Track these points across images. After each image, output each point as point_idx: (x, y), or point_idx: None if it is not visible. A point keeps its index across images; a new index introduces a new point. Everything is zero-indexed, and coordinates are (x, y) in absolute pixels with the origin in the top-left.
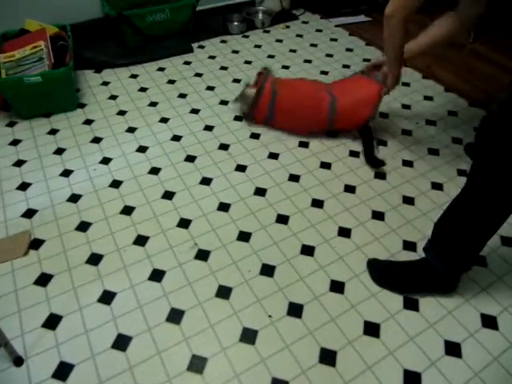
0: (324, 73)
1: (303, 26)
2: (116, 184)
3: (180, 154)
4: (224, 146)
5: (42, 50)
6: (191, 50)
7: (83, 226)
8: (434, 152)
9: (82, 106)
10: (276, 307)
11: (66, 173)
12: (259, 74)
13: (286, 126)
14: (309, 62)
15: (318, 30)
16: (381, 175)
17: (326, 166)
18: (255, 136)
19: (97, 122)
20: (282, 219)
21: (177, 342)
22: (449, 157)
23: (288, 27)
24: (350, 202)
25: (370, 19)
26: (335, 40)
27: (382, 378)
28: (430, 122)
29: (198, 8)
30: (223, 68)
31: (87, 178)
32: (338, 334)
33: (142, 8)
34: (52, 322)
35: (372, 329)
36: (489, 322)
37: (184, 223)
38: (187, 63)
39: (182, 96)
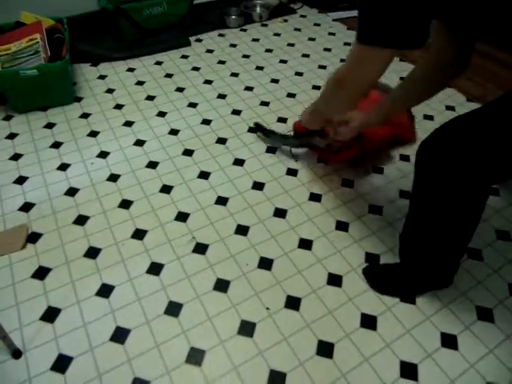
0: (322, 67)
1: (301, 20)
2: (114, 178)
3: (178, 147)
4: (222, 140)
5: (38, 42)
6: (189, 44)
7: (81, 220)
8: None
9: (79, 99)
10: (274, 300)
11: (63, 166)
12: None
13: None
14: (307, 56)
15: (316, 24)
16: (379, 169)
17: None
18: (253, 130)
19: (94, 115)
20: (280, 213)
21: (175, 334)
22: None
23: (286, 21)
24: (347, 197)
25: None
26: (333, 34)
27: (378, 370)
28: (427, 117)
29: (195, 1)
30: (221, 62)
31: (84, 171)
32: (335, 326)
33: (139, 1)
34: (50, 315)
35: (369, 321)
36: (484, 314)
37: (182, 217)
38: (185, 57)
39: (180, 90)
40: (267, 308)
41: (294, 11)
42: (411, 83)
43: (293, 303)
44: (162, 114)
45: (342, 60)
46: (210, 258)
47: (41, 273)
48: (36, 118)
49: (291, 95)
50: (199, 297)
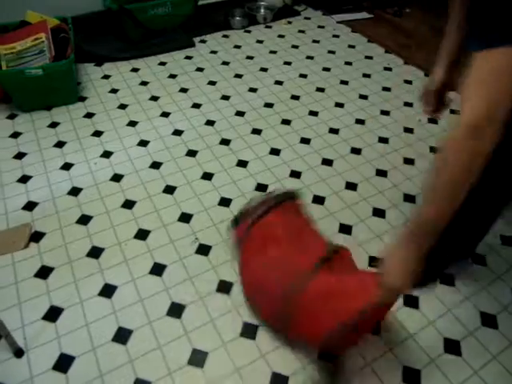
0: (326, 69)
1: (305, 22)
2: (117, 178)
3: (181, 148)
4: (225, 141)
5: (43, 42)
6: (193, 45)
7: (84, 220)
8: (435, 150)
9: (83, 99)
10: None
11: (67, 166)
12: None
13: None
14: (311, 58)
15: (320, 27)
16: (382, 172)
17: (327, 162)
18: (257, 131)
19: (98, 115)
20: None
21: (177, 336)
22: None
23: (290, 23)
24: (351, 200)
25: (371, 16)
26: (337, 36)
27: (381, 375)
28: (432, 120)
29: (200, 2)
30: (225, 63)
31: (88, 171)
32: None
33: (144, 1)
34: (53, 314)
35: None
36: (488, 320)
37: (185, 218)
38: (188, 58)
39: (184, 90)
40: None
41: (298, 13)
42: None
43: None
44: (165, 115)
45: (346, 63)
46: (212, 259)
47: (44, 272)
48: (40, 117)
49: (295, 97)
50: (202, 298)
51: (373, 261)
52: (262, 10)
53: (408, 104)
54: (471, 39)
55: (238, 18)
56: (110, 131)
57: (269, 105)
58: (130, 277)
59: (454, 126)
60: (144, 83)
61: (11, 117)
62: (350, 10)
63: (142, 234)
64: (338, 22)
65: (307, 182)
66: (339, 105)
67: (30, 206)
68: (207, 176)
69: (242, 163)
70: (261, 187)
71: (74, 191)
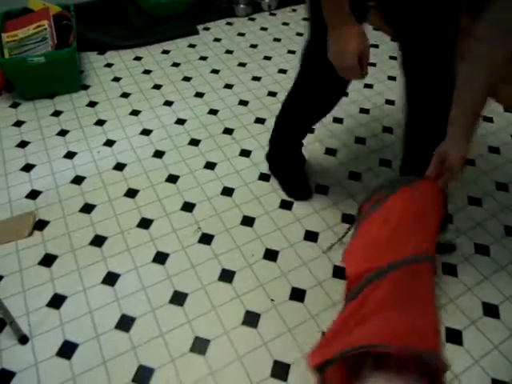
0: None
1: None
2: (120, 167)
3: (184, 137)
4: (228, 131)
5: (45, 29)
6: (196, 32)
7: (87, 208)
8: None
9: (86, 87)
10: (279, 291)
11: (70, 155)
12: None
13: None
14: None
15: None
16: (386, 162)
17: (330, 152)
18: (260, 121)
19: (100, 104)
20: (286, 205)
21: (180, 323)
22: (485, 167)
23: (295, 11)
24: (355, 189)
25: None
26: None
27: None
28: None
29: None
30: (228, 51)
31: (91, 160)
32: None
33: None
34: (56, 301)
35: None
36: (490, 310)
37: (188, 207)
38: (192, 46)
39: (187, 79)
40: (272, 299)
41: (303, 0)
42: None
43: (298, 295)
44: (168, 104)
45: None
46: (215, 248)
47: (47, 260)
48: (43, 106)
49: None
50: (204, 287)
51: None
52: None
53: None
54: None
55: (242, 6)
56: (113, 120)
57: (272, 94)
58: (132, 265)
59: None
60: (147, 72)
61: (14, 105)
62: None
63: (144, 223)
64: None
65: (309, 173)
66: None
67: (33, 194)
68: (210, 165)
69: (246, 153)
70: (264, 177)
71: (78, 180)
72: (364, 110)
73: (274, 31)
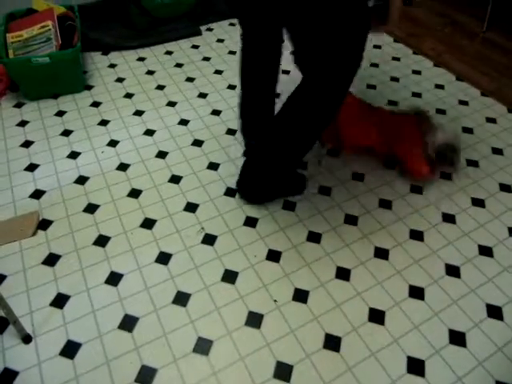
0: None
1: None
2: (123, 167)
3: (187, 138)
4: (231, 131)
5: (49, 30)
6: (199, 33)
7: (91, 208)
8: None
9: (90, 87)
10: (281, 292)
11: (74, 155)
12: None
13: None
14: None
15: None
16: (389, 163)
17: (333, 153)
18: None
19: (104, 104)
20: (289, 206)
21: (183, 324)
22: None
23: None
24: (358, 190)
25: (380, 3)
26: None
27: (385, 365)
28: (440, 111)
29: None
30: (231, 52)
31: (94, 160)
32: (342, 320)
33: None
34: (60, 301)
35: (377, 316)
36: (494, 312)
37: (191, 207)
38: (195, 47)
39: (190, 80)
40: (275, 300)
41: None
42: None
43: (301, 296)
44: (171, 104)
45: None
46: (218, 248)
47: (51, 259)
48: (47, 106)
49: None
50: (207, 287)
51: None
52: None
53: (416, 94)
54: None
55: None
56: (117, 120)
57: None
58: (136, 265)
59: None
60: (150, 72)
61: (18, 105)
62: None
63: (148, 223)
64: None
65: (313, 172)
66: None
67: (37, 194)
68: (213, 166)
69: None
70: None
71: (81, 180)
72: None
73: None
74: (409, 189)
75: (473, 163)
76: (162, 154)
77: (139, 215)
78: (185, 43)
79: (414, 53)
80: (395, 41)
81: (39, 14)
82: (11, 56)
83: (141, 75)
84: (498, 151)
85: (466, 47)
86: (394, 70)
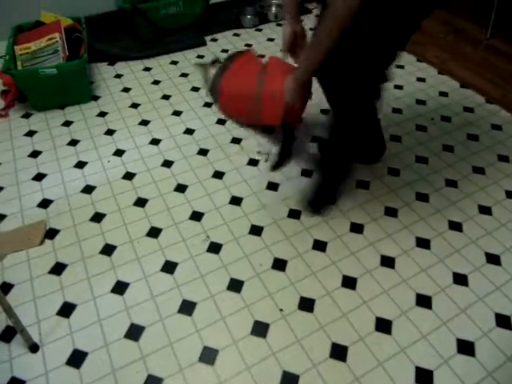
0: None
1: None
2: (129, 176)
3: (193, 147)
4: (237, 140)
5: (57, 42)
6: (204, 43)
7: (97, 217)
8: (448, 149)
9: (96, 98)
10: (287, 301)
11: (80, 164)
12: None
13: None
14: None
15: None
16: (394, 171)
17: None
18: (269, 130)
19: (110, 114)
20: (295, 214)
21: (189, 333)
22: (464, 153)
23: (302, 21)
24: (364, 198)
25: None
26: None
27: (393, 375)
28: (445, 119)
29: (211, 1)
30: None
31: (101, 169)
32: (349, 329)
33: (156, 1)
34: (66, 310)
35: (384, 325)
36: (503, 321)
37: (196, 216)
38: (200, 56)
39: (195, 89)
40: (281, 309)
41: (309, 11)
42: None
43: (306, 305)
44: (177, 114)
45: None
46: (223, 257)
47: (58, 269)
48: (54, 116)
49: None
50: (213, 296)
51: None
52: (274, 8)
53: (421, 102)
54: None
55: (248, 17)
56: (123, 130)
57: None
58: (142, 274)
59: None
60: (156, 82)
61: (26, 116)
62: None
63: (153, 232)
64: None
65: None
66: None
67: (44, 203)
68: (218, 175)
69: (253, 162)
70: (272, 185)
71: (88, 189)
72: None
73: (280, 42)
74: (415, 196)
75: (479, 170)
76: (167, 163)
77: (145, 224)
78: (190, 53)
79: (418, 60)
80: None
81: (47, 26)
82: (19, 68)
83: (147, 85)
84: (503, 158)
85: (470, 54)
86: (398, 77)
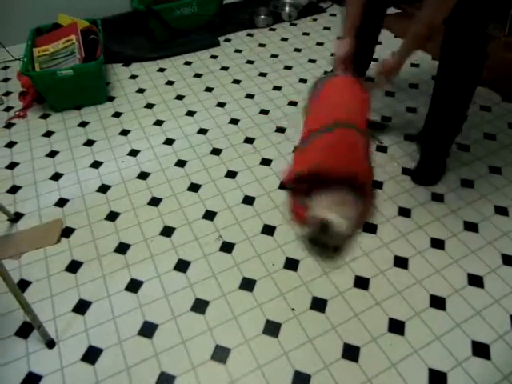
0: None
1: (331, 19)
2: (144, 176)
3: (206, 147)
4: (249, 140)
5: (73, 44)
6: (218, 44)
7: (112, 216)
8: (464, 148)
9: (112, 98)
10: (299, 301)
11: (96, 164)
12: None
13: None
14: None
15: None
16: (407, 171)
17: None
18: (281, 130)
19: (125, 114)
20: None
21: (201, 331)
22: (481, 152)
23: (315, 20)
24: (377, 198)
25: (399, 11)
26: None
27: (406, 377)
28: None
29: (224, 1)
30: (249, 62)
31: (116, 169)
32: (361, 330)
33: (170, 2)
34: (82, 307)
35: (397, 326)
36: None
37: (209, 215)
38: (214, 57)
39: (209, 89)
40: (293, 309)
41: (323, 10)
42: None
43: (319, 305)
44: (191, 114)
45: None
46: (236, 256)
47: (73, 266)
48: (71, 117)
49: None
50: (225, 295)
51: None
52: (287, 8)
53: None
54: None
55: (262, 17)
56: (137, 130)
57: (293, 103)
58: (155, 272)
59: None
60: (170, 82)
61: (44, 116)
62: None
63: (167, 231)
64: None
65: None
66: None
67: (61, 202)
68: (231, 174)
69: (266, 162)
70: (284, 186)
71: (103, 188)
72: (386, 119)
73: (294, 41)
74: (430, 197)
75: (495, 170)
76: (181, 163)
77: (159, 223)
78: (203, 54)
79: (433, 58)
80: None
81: (64, 28)
82: (37, 69)
83: (161, 86)
84: None
85: (488, 52)
86: (413, 76)
